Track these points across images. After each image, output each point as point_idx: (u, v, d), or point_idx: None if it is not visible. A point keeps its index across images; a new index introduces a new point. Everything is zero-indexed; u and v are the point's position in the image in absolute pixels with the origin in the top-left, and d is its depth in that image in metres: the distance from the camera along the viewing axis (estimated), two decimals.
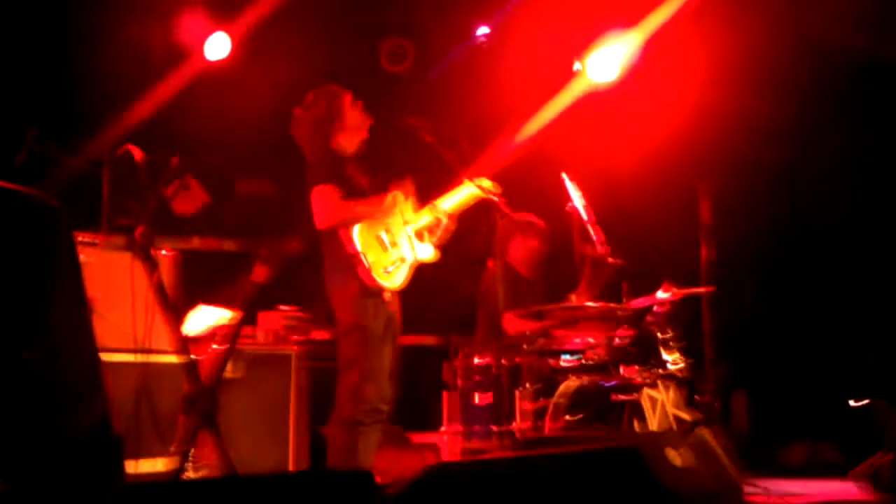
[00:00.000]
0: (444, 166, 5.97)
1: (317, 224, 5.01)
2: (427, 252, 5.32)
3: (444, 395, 6.02)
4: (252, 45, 6.87)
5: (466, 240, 6.09)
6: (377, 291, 5.00)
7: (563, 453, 3.90)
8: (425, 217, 5.38)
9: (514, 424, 5.52)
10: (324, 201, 4.99)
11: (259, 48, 6.84)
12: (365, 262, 4.95)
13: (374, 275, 4.97)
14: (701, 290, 6.18)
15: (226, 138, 6.32)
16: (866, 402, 6.41)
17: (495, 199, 5.43)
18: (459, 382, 5.85)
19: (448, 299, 6.60)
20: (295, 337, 6.02)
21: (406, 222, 5.32)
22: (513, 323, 5.98)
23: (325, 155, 5.19)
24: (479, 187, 5.37)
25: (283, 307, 6.15)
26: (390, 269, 5.07)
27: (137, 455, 4.29)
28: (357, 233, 5.02)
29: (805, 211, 7.89)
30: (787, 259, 7.98)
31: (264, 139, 6.59)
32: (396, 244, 5.18)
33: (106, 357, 3.90)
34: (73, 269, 3.64)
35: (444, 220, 5.40)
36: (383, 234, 5.15)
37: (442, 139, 5.83)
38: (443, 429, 5.96)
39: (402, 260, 5.17)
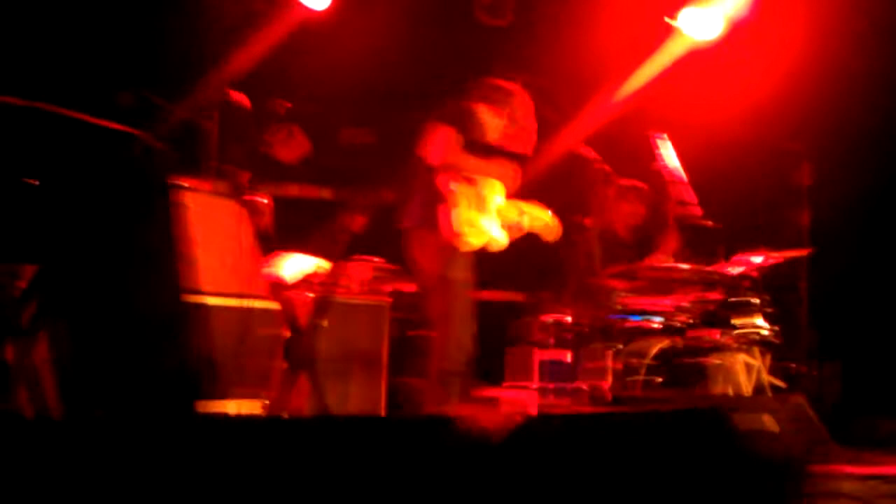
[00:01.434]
0: (541, 122, 5.96)
1: (428, 158, 5.03)
2: (501, 238, 5.30)
3: (534, 352, 6.03)
4: None
5: (558, 198, 6.08)
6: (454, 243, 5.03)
7: (651, 412, 3.92)
8: (513, 210, 5.37)
9: (603, 384, 5.52)
10: (442, 140, 5.02)
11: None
12: (454, 207, 4.97)
13: (456, 224, 4.98)
14: (796, 253, 6.07)
15: (328, 88, 6.36)
16: None
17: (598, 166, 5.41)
18: (550, 340, 5.87)
19: (536, 256, 6.58)
20: (385, 288, 6.07)
21: (499, 205, 5.32)
22: (608, 282, 5.97)
23: (464, 108, 5.23)
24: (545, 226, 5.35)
25: (371, 258, 6.21)
26: (473, 227, 5.08)
27: (234, 396, 4.37)
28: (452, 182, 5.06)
29: None
30: (887, 225, 7.80)
31: (366, 89, 6.62)
32: (486, 211, 5.18)
33: (206, 300, 4.02)
34: (168, 212, 3.73)
35: (524, 223, 5.38)
36: (480, 196, 5.17)
37: (540, 95, 5.81)
38: (528, 385, 5.98)
39: (483, 229, 5.17)
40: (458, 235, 4.98)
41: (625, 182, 6.21)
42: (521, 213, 5.36)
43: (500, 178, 5.29)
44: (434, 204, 4.99)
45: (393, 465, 2.79)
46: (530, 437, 3.24)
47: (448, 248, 5.00)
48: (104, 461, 2.43)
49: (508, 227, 5.32)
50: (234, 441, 2.68)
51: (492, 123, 5.29)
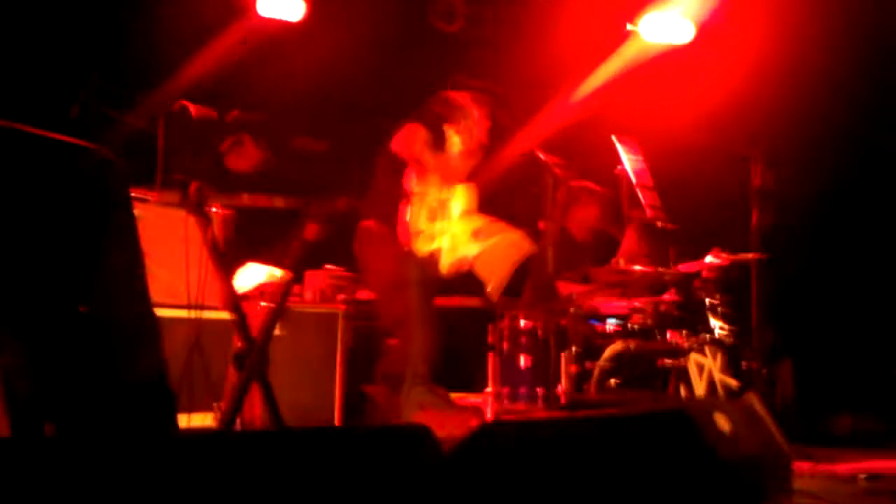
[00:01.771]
0: (495, 127, 5.98)
1: (392, 145, 5.09)
2: (472, 251, 5.30)
3: (490, 357, 6.05)
4: (308, 5, 6.87)
5: (514, 202, 6.09)
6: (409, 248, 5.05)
7: (611, 415, 3.92)
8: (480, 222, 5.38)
9: (558, 388, 5.55)
10: (412, 135, 5.03)
11: (312, 8, 6.83)
12: (410, 210, 4.99)
13: (412, 225, 5.00)
14: (750, 256, 6.13)
15: (281, 97, 6.35)
16: None
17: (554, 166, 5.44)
18: (505, 345, 5.88)
19: None
20: (341, 296, 6.07)
21: (465, 214, 5.33)
22: (562, 286, 6.00)
23: (434, 118, 5.27)
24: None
25: (329, 266, 6.20)
26: (425, 232, 5.10)
27: (189, 409, 4.36)
28: (415, 181, 5.08)
29: (860, 178, 7.79)
30: (838, 227, 7.89)
31: (319, 98, 6.61)
32: (441, 220, 5.19)
33: (159, 312, 3.99)
34: (130, 224, 3.71)
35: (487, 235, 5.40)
36: (436, 205, 5.19)
37: (495, 100, 5.83)
38: (487, 390, 6.00)
39: (435, 236, 5.18)
40: (411, 236, 5.00)
41: (577, 184, 6.22)
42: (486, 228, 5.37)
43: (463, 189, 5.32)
44: (394, 203, 5.02)
45: (348, 477, 2.78)
46: (488, 444, 3.24)
47: (402, 249, 5.02)
48: (54, 481, 2.38)
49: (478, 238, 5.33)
50: (191, 457, 2.65)
51: (453, 139, 5.33)
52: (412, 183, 5.09)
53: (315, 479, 2.69)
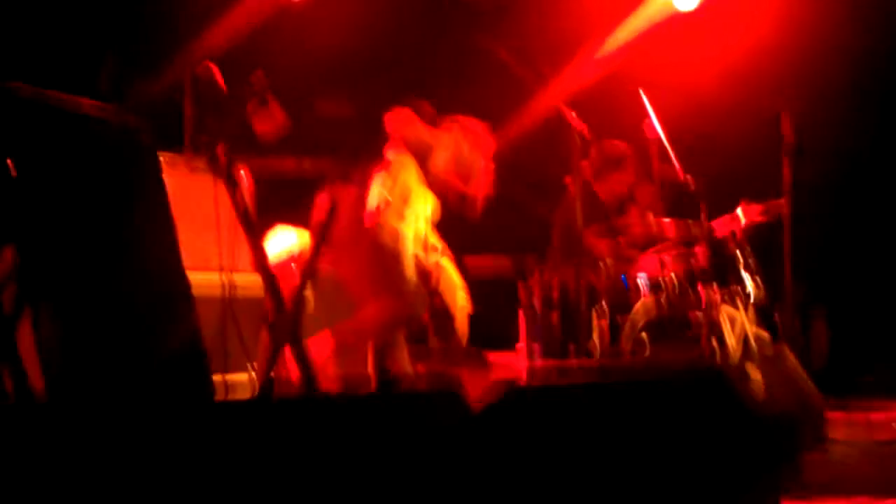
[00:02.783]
0: (520, 86, 5.95)
1: (387, 125, 5.07)
2: (433, 259, 5.30)
3: (520, 313, 6.05)
4: None
5: (542, 160, 6.06)
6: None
7: (646, 376, 3.91)
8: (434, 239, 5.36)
9: (589, 343, 5.54)
10: (404, 116, 5.03)
11: None
12: (384, 179, 4.98)
13: (380, 197, 4.99)
14: (780, 202, 6.07)
15: (306, 61, 6.34)
16: None
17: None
18: (535, 301, 5.88)
19: (523, 219, 6.59)
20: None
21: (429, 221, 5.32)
22: (592, 242, 5.97)
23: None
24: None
25: None
26: (395, 210, 5.09)
27: (225, 370, 4.38)
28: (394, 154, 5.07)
29: (888, 132, 7.73)
30: (870, 182, 7.84)
31: (343, 63, 6.60)
32: (410, 207, 5.18)
33: (190, 276, 4.01)
34: (160, 189, 3.72)
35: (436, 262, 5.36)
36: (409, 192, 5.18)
37: (519, 59, 5.79)
38: (518, 346, 6.00)
39: (403, 217, 5.16)
40: (380, 205, 4.98)
41: (610, 144, 6.18)
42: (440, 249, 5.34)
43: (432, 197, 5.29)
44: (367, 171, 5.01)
45: (378, 443, 2.79)
46: (520, 406, 3.23)
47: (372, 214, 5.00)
48: (92, 447, 2.40)
49: (428, 248, 5.30)
50: (229, 426, 2.66)
51: (440, 153, 5.28)
52: (391, 154, 5.04)
53: (345, 446, 2.70)
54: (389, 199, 5.04)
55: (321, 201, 5.15)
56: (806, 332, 7.00)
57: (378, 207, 5.02)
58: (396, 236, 5.10)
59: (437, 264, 5.30)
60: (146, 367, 3.38)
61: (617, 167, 6.29)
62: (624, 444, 3.32)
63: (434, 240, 5.33)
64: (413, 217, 5.19)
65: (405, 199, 5.15)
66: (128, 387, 3.35)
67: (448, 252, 5.39)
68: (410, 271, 5.09)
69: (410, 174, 5.20)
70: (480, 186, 5.39)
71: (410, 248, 5.14)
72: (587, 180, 6.13)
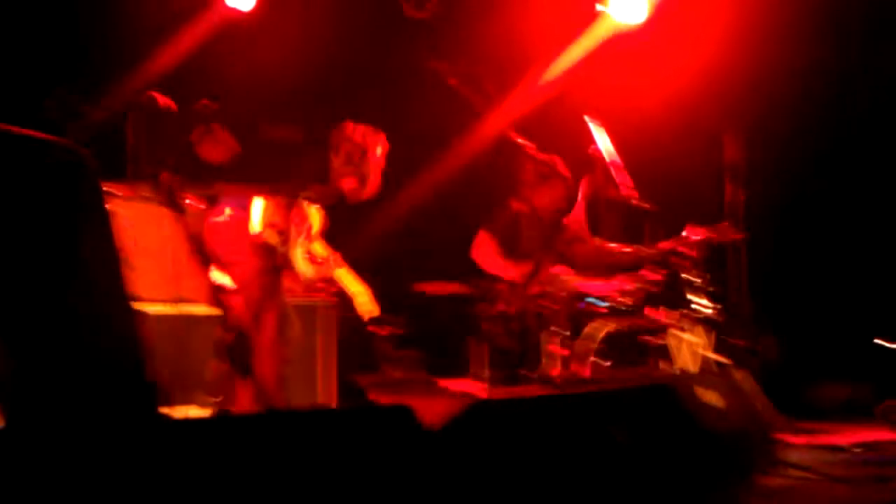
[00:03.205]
0: (468, 109, 5.93)
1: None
2: (304, 268, 5.26)
3: (471, 341, 6.01)
4: None
5: (487, 181, 6.04)
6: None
7: (600, 391, 3.90)
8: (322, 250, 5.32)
9: (541, 367, 5.51)
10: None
11: None
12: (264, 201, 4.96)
13: (264, 218, 4.95)
14: (723, 225, 6.11)
15: (250, 85, 6.28)
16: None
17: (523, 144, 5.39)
18: (487, 327, 5.84)
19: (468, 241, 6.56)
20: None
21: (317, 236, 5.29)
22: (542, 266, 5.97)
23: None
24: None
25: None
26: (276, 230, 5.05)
27: (172, 402, 4.30)
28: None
29: (836, 150, 7.82)
30: (812, 199, 7.92)
31: (288, 85, 6.53)
32: (294, 226, 5.15)
33: (139, 307, 3.95)
34: (103, 218, 3.64)
35: (334, 272, 5.34)
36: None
37: (467, 82, 5.78)
38: (476, 376, 5.95)
39: (288, 238, 5.13)
40: (263, 225, 4.93)
41: (543, 159, 6.17)
42: (332, 260, 5.30)
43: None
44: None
45: (330, 459, 2.75)
46: (479, 422, 3.22)
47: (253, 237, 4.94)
48: (45, 476, 2.34)
49: (316, 261, 5.25)
50: (182, 444, 2.61)
51: (339, 170, 5.24)
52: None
53: (298, 462, 2.66)
54: (272, 220, 4.97)
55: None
56: (756, 351, 7.04)
57: (260, 228, 4.94)
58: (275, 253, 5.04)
59: (330, 276, 5.25)
60: (92, 400, 3.30)
61: (549, 181, 6.25)
62: (580, 457, 3.31)
63: (322, 252, 5.26)
64: (295, 237, 5.13)
65: (286, 222, 5.09)
66: (75, 421, 3.27)
67: (342, 262, 5.33)
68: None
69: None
70: (374, 182, 5.34)
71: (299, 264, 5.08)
72: (531, 204, 6.14)
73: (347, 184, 5.17)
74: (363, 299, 5.29)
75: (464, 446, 3.02)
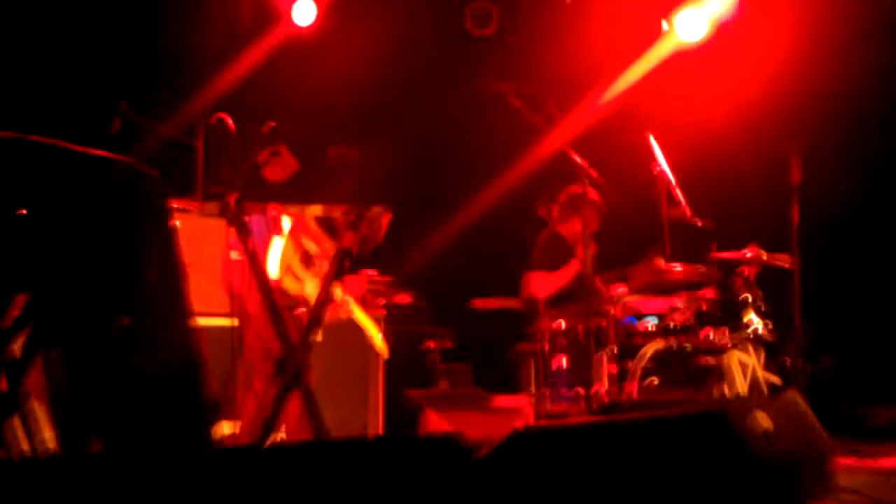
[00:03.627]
0: (530, 129, 5.99)
1: None
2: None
3: (529, 357, 6.06)
4: (338, 11, 6.90)
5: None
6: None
7: (648, 418, 3.91)
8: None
9: (595, 387, 5.54)
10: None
11: (345, 14, 6.86)
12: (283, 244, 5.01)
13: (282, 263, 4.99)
14: (784, 262, 6.10)
15: (314, 105, 6.39)
16: None
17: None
18: (544, 345, 5.89)
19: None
20: (380, 301, 6.08)
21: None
22: (601, 286, 6.02)
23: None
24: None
25: (367, 271, 6.21)
26: (295, 275, 5.11)
27: (230, 417, 4.40)
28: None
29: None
30: (878, 218, 7.85)
31: (353, 105, 6.64)
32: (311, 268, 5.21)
33: (200, 321, 4.06)
34: (167, 236, 3.75)
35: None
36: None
37: (528, 102, 5.83)
38: (525, 392, 6.00)
39: (304, 281, 5.18)
40: (280, 271, 4.98)
41: (573, 191, 6.24)
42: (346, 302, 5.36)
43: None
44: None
45: (379, 490, 2.80)
46: (524, 451, 3.25)
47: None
48: (101, 497, 2.42)
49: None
50: (226, 472, 2.68)
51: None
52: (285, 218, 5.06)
53: (346, 493, 2.71)
54: (289, 265, 5.05)
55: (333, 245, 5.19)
56: (815, 372, 6.99)
57: (278, 274, 5.01)
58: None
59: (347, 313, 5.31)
60: (151, 419, 3.40)
61: (576, 210, 6.28)
62: (627, 487, 3.33)
63: (338, 294, 5.32)
64: (312, 280, 5.20)
65: (306, 265, 5.17)
66: (136, 435, 3.36)
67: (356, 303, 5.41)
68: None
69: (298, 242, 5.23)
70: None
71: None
72: (553, 222, 6.20)
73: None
74: (376, 339, 5.39)
75: (508, 476, 3.05)
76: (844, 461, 5.40)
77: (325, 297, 4.62)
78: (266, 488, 2.63)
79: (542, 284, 6.28)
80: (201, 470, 2.63)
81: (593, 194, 6.29)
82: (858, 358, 7.57)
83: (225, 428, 4.55)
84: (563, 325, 5.84)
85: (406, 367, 5.77)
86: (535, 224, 6.65)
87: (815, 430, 5.14)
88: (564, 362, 5.78)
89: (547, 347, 5.86)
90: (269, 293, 4.21)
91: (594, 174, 5.92)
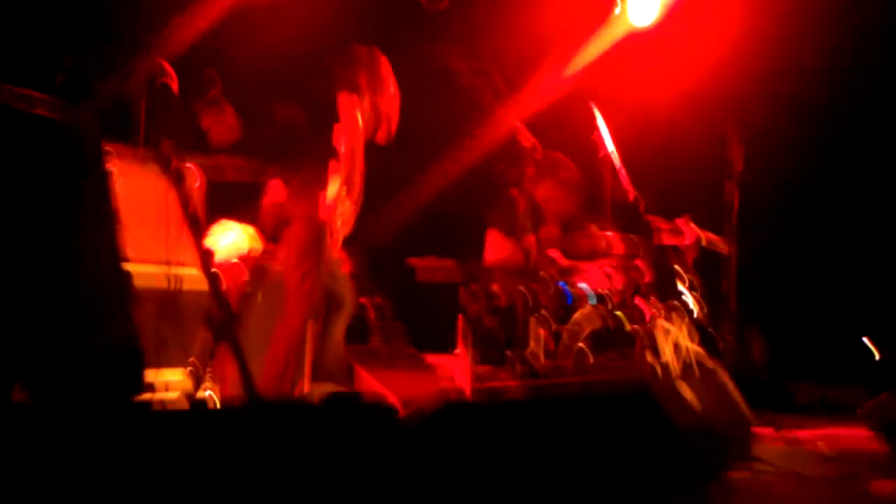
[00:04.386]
0: (477, 103, 6.03)
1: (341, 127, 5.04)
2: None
3: (460, 318, 6.10)
4: None
5: (489, 168, 6.11)
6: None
7: (573, 392, 3.99)
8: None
9: (527, 351, 5.61)
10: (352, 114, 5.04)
11: None
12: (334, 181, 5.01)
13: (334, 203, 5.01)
14: (718, 245, 6.21)
15: (258, 67, 6.35)
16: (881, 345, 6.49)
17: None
18: (476, 307, 5.94)
19: (467, 225, 6.66)
20: None
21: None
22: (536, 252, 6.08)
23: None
24: None
25: None
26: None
27: (160, 364, 4.40)
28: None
29: (834, 154, 7.89)
30: (812, 200, 8.00)
31: (301, 74, 6.60)
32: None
33: (132, 268, 4.06)
34: (103, 182, 3.74)
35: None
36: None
37: (480, 79, 5.86)
38: (456, 352, 6.04)
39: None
40: (333, 211, 4.99)
41: (546, 161, 6.28)
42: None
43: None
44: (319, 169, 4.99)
45: (307, 451, 2.81)
46: (451, 422, 3.28)
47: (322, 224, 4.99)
48: (22, 445, 2.41)
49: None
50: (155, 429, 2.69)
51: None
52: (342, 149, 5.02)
53: (275, 455, 2.72)
54: (337, 203, 5.06)
55: (270, 201, 5.18)
56: (743, 347, 7.12)
57: (330, 216, 5.01)
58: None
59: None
60: (82, 364, 3.40)
61: (553, 172, 6.35)
62: (553, 458, 3.39)
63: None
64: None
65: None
66: (64, 384, 3.36)
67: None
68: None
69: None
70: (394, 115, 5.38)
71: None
72: (529, 190, 6.22)
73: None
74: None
75: (434, 447, 3.08)
76: (764, 433, 5.52)
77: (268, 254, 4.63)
78: (191, 450, 2.63)
79: (496, 251, 6.27)
80: (124, 426, 2.64)
81: (567, 167, 6.36)
82: (785, 335, 7.72)
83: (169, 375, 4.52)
84: (497, 288, 5.90)
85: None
86: (490, 187, 6.66)
87: (736, 404, 5.28)
88: (497, 325, 5.85)
89: (480, 309, 5.91)
90: (203, 247, 4.20)
91: (543, 151, 5.98)
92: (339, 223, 5.04)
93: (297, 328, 4.89)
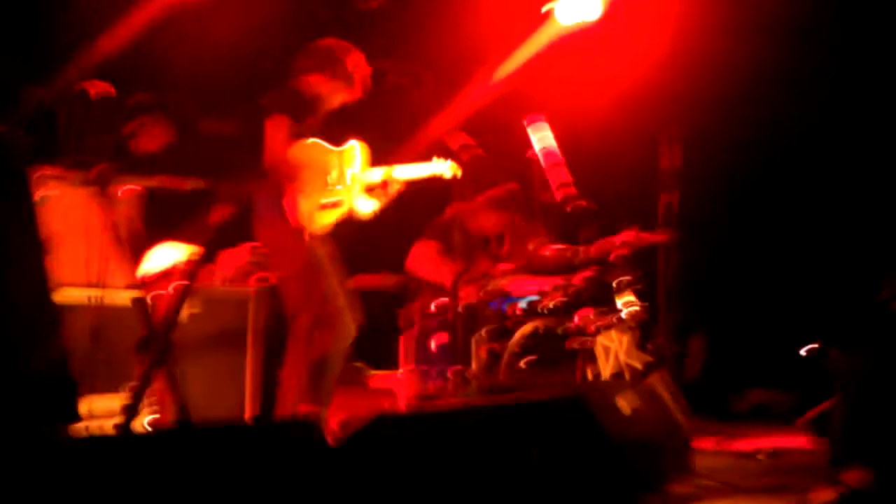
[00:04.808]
0: (411, 109, 5.99)
1: (266, 157, 5.02)
2: (367, 207, 5.31)
3: (401, 337, 6.08)
4: None
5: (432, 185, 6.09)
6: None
7: (509, 403, 3.97)
8: (377, 174, 5.36)
9: (469, 369, 5.59)
10: (276, 135, 4.99)
11: None
12: (297, 197, 4.97)
13: (303, 215, 4.97)
14: (658, 237, 6.22)
15: (191, 78, 6.28)
16: (817, 348, 6.54)
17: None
18: (417, 324, 5.92)
19: (407, 241, 6.62)
20: (260, 275, 6.00)
21: (356, 173, 5.31)
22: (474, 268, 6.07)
23: (289, 92, 5.20)
24: (441, 173, 5.36)
25: (248, 245, 6.13)
26: (319, 210, 5.09)
27: (92, 391, 4.32)
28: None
29: (770, 157, 7.96)
30: (747, 207, 8.07)
31: (229, 79, 6.54)
32: (338, 186, 5.19)
33: (61, 294, 3.98)
34: (27, 204, 3.65)
35: (394, 187, 5.38)
36: (330, 174, 5.19)
37: (411, 80, 5.83)
38: (399, 370, 6.03)
39: (337, 204, 5.18)
40: (306, 217, 4.98)
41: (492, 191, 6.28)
42: (388, 171, 5.34)
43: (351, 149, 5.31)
44: (278, 199, 4.97)
45: (236, 473, 2.78)
46: (382, 435, 3.26)
47: (301, 233, 4.99)
48: None
49: (377, 193, 5.32)
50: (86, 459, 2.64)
51: (327, 89, 5.28)
52: (287, 177, 5.01)
53: (203, 478, 2.70)
54: (317, 203, 5.04)
55: (205, 218, 5.12)
56: (683, 354, 7.16)
57: (303, 223, 4.99)
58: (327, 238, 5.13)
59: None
60: (9, 393, 3.32)
61: (503, 208, 6.34)
62: (486, 472, 3.37)
63: (372, 180, 5.38)
64: (343, 194, 5.22)
65: (330, 186, 5.17)
66: None
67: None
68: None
69: (321, 162, 5.20)
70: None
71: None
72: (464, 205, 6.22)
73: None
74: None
75: (363, 461, 3.06)
76: (704, 444, 5.55)
77: (194, 272, 4.58)
78: (121, 477, 2.60)
79: (421, 261, 6.24)
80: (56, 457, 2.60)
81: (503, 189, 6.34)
82: (731, 342, 7.78)
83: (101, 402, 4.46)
84: (436, 304, 5.89)
85: (284, 342, 5.71)
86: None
87: (674, 415, 5.29)
88: (440, 342, 5.83)
89: (423, 327, 5.90)
90: (132, 267, 4.15)
91: (477, 152, 5.95)
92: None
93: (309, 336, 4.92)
